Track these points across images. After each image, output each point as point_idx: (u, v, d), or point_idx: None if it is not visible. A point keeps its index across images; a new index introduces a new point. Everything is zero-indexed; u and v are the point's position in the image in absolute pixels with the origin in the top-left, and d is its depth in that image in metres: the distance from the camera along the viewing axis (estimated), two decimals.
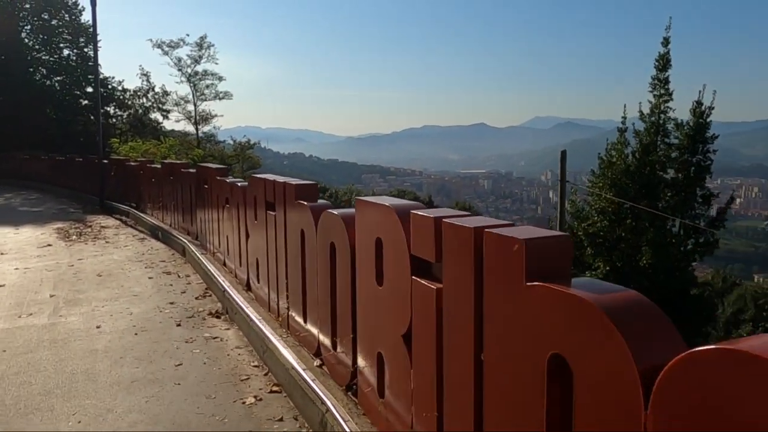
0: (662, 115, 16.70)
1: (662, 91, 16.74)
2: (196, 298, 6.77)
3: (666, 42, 16.67)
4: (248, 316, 5.31)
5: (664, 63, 16.67)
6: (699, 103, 16.73)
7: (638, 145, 16.72)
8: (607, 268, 15.89)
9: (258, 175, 5.71)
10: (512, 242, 1.99)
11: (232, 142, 38.83)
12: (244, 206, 6.08)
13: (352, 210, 3.46)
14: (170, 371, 4.56)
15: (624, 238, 16.20)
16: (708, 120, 16.70)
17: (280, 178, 5.00)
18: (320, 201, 4.49)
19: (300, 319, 4.48)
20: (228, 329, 5.62)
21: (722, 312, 27.21)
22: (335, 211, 3.80)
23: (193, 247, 8.65)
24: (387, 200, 3.13)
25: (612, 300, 1.67)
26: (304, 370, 3.89)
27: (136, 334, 5.52)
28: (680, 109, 17.28)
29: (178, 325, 5.78)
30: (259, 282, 5.72)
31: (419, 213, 2.64)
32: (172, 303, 6.57)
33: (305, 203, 4.35)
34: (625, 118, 17.56)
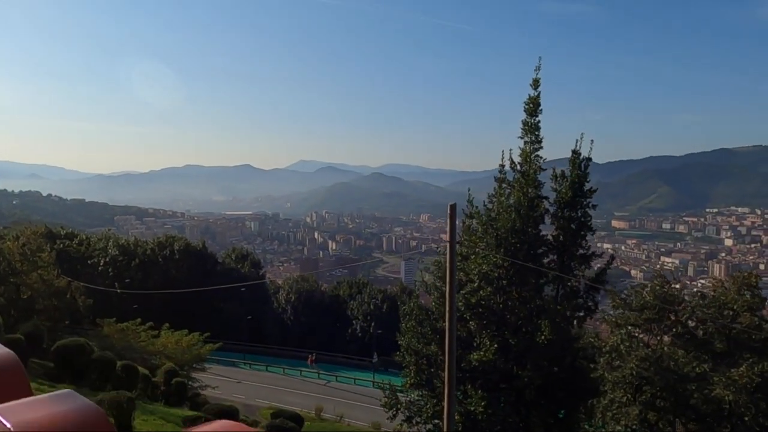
0: (534, 165, 15.03)
1: (532, 138, 15.08)
2: None
3: (536, 84, 15.08)
4: None
5: (534, 107, 15.01)
6: (577, 153, 15.41)
7: (521, 198, 14.57)
8: (495, 345, 13.14)
9: None
10: None
11: None
12: None
13: None
14: None
15: (510, 308, 13.82)
16: (587, 171, 15.48)
17: None
18: None
19: None
20: None
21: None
22: None
23: None
24: None
25: None
26: None
27: None
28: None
29: None
30: None
31: None
32: None
33: None
34: (503, 166, 15.50)
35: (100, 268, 56.36)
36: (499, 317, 13.19)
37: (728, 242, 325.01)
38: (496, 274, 13.29)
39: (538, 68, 14.54)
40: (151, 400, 20.58)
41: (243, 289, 51.48)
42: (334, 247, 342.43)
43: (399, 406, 13.05)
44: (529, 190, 14.31)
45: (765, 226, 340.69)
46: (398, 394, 13.54)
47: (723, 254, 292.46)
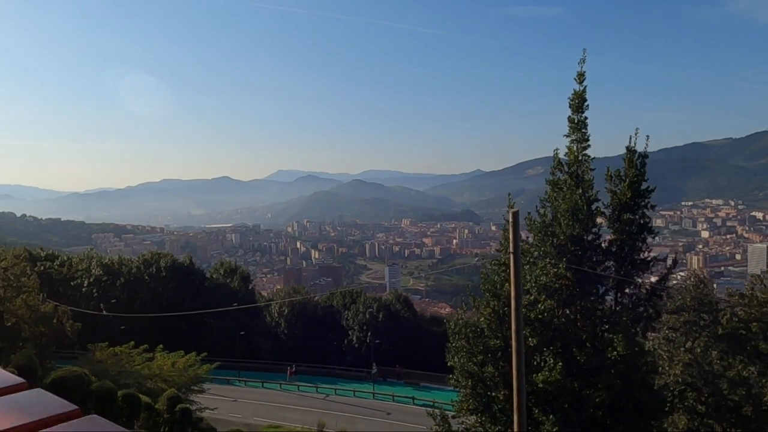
0: (584, 164, 13.96)
1: (579, 136, 14.04)
2: None
3: (580, 78, 14.03)
4: None
5: (580, 102, 13.96)
6: (632, 150, 14.41)
7: (578, 201, 13.40)
8: (560, 363, 11.81)
9: None
10: None
11: None
12: None
13: None
14: None
15: (573, 322, 12.68)
16: (644, 169, 14.51)
17: None
18: None
19: None
20: None
21: None
22: None
23: None
24: None
25: None
26: None
27: None
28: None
29: None
30: None
31: None
32: None
33: None
34: (555, 168, 14.38)
35: (84, 290, 54.43)
36: (562, 333, 12.11)
37: (705, 234, 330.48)
38: (557, 285, 12.26)
39: (582, 60, 13.41)
40: (155, 431, 19.40)
41: (235, 304, 50.18)
42: (317, 256, 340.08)
43: None
44: (585, 193, 13.23)
45: (739, 217, 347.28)
46: (450, 420, 12.52)
47: (700, 246, 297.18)
